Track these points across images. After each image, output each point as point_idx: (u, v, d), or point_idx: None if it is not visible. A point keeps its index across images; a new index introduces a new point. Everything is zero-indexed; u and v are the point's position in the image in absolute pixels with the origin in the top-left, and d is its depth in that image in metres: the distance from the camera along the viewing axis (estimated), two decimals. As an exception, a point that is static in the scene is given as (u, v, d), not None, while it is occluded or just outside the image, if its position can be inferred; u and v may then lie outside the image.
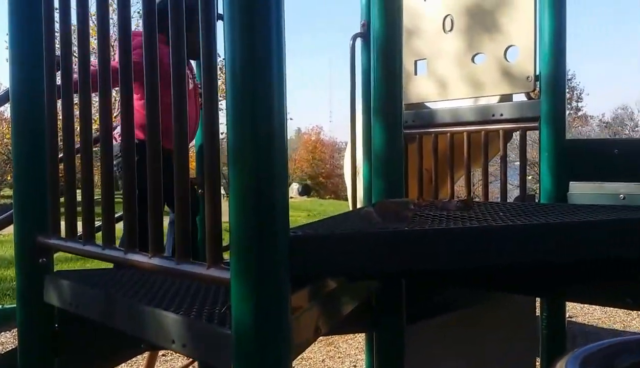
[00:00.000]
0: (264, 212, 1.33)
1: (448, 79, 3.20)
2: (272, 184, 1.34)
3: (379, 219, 1.67)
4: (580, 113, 22.10)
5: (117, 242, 1.95)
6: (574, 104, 21.37)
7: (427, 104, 3.56)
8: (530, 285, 2.00)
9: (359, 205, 3.82)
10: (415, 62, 3.39)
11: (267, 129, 1.33)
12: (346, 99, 3.50)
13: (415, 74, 3.40)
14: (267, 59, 1.32)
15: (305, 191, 24.26)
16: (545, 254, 1.45)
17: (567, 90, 3.30)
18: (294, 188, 24.78)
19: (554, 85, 2.69)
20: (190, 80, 2.70)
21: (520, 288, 2.08)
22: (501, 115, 2.99)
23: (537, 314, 3.37)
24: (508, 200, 3.38)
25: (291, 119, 22.89)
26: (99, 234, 1.96)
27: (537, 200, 3.22)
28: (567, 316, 3.23)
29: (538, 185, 3.20)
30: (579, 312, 5.17)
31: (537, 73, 2.83)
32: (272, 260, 1.34)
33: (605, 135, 21.72)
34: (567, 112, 2.78)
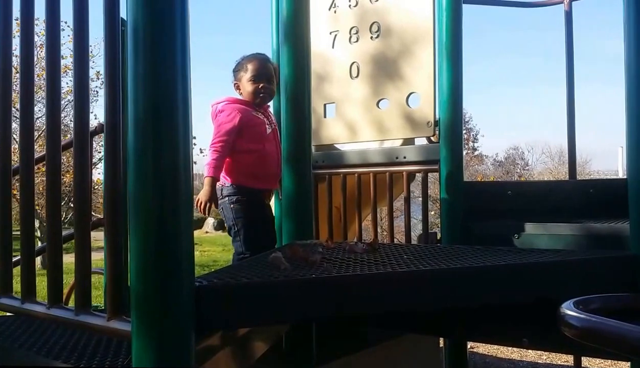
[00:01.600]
0: (167, 260, 1.30)
1: (355, 122, 3.30)
2: (178, 234, 1.32)
3: (287, 265, 1.69)
4: (476, 153, 23.41)
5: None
6: (470, 144, 22.63)
7: (337, 146, 3.65)
8: (432, 326, 2.06)
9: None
10: (325, 105, 3.48)
11: (172, 174, 1.31)
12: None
13: (325, 116, 3.48)
14: (171, 101, 1.32)
15: (220, 226, 24.00)
16: (446, 299, 1.51)
17: (464, 132, 3.47)
18: (209, 223, 24.45)
19: (452, 130, 2.83)
20: (267, 126, 3.05)
21: (423, 329, 2.15)
22: (404, 157, 3.11)
23: (441, 346, 3.48)
24: (412, 236, 3.49)
25: (205, 155, 22.63)
26: None
27: (439, 237, 3.34)
28: (468, 347, 3.35)
29: (440, 219, 3.33)
30: (480, 343, 5.36)
31: (437, 118, 2.97)
32: (176, 311, 1.31)
33: (500, 173, 23.06)
34: (465, 152, 2.93)
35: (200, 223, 24.32)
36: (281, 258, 1.73)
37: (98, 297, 5.63)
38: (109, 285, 1.51)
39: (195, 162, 20.83)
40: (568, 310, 1.09)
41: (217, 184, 2.89)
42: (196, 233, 22.33)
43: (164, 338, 1.30)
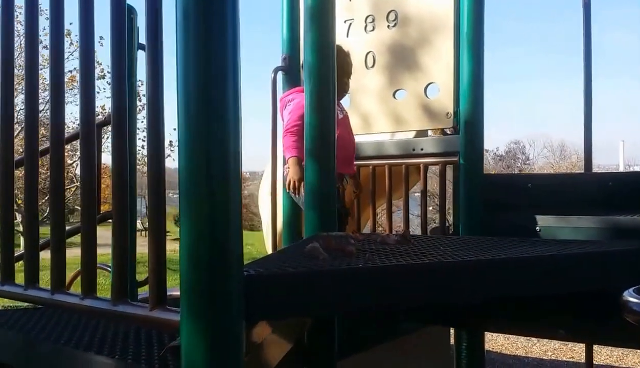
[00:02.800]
0: (218, 248, 1.28)
1: (371, 114, 3.27)
2: (227, 224, 1.29)
3: (325, 255, 1.65)
4: (477, 147, 23.38)
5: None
6: (471, 137, 22.61)
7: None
8: (462, 318, 2.04)
9: (278, 236, 3.78)
10: (337, 96, 3.44)
11: (221, 168, 1.28)
12: (250, 128, 3.51)
13: (337, 107, 3.45)
14: (222, 99, 1.29)
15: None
16: (495, 289, 1.49)
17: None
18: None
19: (472, 122, 2.81)
20: (339, 112, 3.06)
21: (453, 321, 2.12)
22: (422, 149, 3.09)
23: (451, 344, 3.46)
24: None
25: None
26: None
27: (451, 231, 3.32)
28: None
29: (438, 215, 3.31)
30: (485, 339, 5.34)
31: (456, 109, 2.95)
32: (227, 300, 1.29)
33: (500, 168, 23.02)
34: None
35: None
36: (319, 248, 1.70)
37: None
38: (151, 276, 1.47)
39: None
40: (631, 297, 1.09)
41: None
42: None
43: (214, 327, 1.27)
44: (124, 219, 1.57)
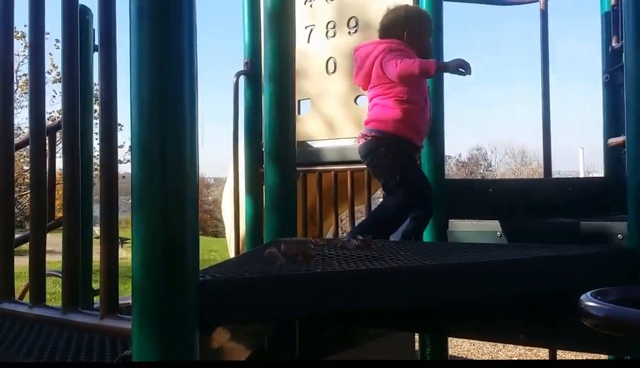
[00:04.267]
0: (172, 252, 1.24)
1: (333, 119, 3.27)
2: (183, 228, 1.25)
3: (283, 260, 1.63)
4: (440, 153, 23.59)
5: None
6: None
7: (310, 143, 3.60)
8: (423, 323, 2.04)
9: (241, 242, 3.75)
10: (299, 101, 3.42)
11: (178, 167, 1.25)
12: (214, 132, 3.47)
13: (299, 113, 3.43)
14: (179, 98, 1.25)
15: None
16: (453, 293, 1.49)
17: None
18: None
19: (432, 127, 2.82)
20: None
21: (413, 326, 2.12)
22: (384, 155, 3.08)
23: (416, 350, 3.46)
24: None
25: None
26: None
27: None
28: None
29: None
30: (450, 345, 5.36)
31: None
32: (181, 306, 1.25)
33: (463, 174, 23.24)
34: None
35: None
36: (277, 253, 1.68)
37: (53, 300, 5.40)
38: (102, 283, 1.43)
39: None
40: (589, 301, 1.09)
41: (370, 135, 2.66)
42: None
43: (167, 335, 1.24)
44: (74, 224, 1.53)
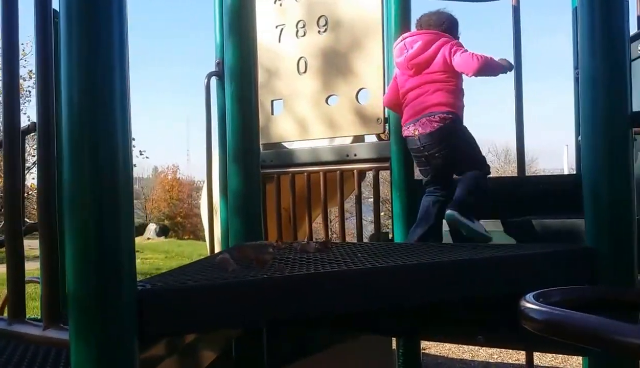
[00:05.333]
0: (107, 262, 1.19)
1: (305, 119, 3.23)
2: (118, 233, 1.21)
3: (235, 266, 1.59)
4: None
5: None
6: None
7: (284, 144, 3.57)
8: (385, 326, 2.01)
9: (217, 245, 3.70)
10: (272, 101, 3.39)
11: (111, 169, 1.21)
12: (201, 135, 3.41)
13: (273, 113, 3.39)
14: (109, 93, 1.21)
15: (162, 232, 23.22)
16: (403, 296, 1.45)
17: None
18: (151, 229, 23.60)
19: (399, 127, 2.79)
20: None
21: (376, 329, 2.09)
22: (355, 155, 3.06)
23: (393, 348, 3.44)
24: (364, 237, 3.44)
25: (147, 157, 21.96)
26: None
27: (390, 237, 3.31)
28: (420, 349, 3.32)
29: (391, 220, 3.29)
30: (431, 344, 5.37)
31: (387, 115, 2.93)
32: (117, 317, 1.21)
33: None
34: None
35: (141, 229, 23.40)
36: (229, 259, 1.63)
37: (35, 309, 5.36)
38: (44, 292, 1.38)
39: (135, 165, 20.09)
40: (529, 303, 1.05)
41: (449, 117, 2.65)
42: (138, 239, 21.26)
43: (104, 347, 1.19)
44: (17, 235, 1.48)
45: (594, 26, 1.67)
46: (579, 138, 3.03)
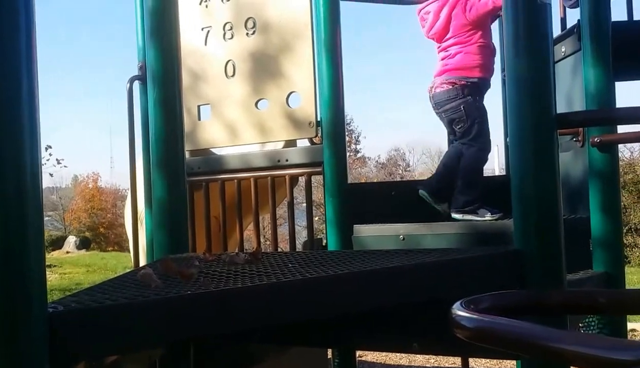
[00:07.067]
0: (12, 284, 1.09)
1: (234, 124, 3.13)
2: (23, 247, 1.11)
3: (158, 282, 1.49)
4: (359, 155, 23.72)
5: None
6: (353, 146, 22.89)
7: (213, 150, 3.46)
8: (318, 337, 1.95)
9: (142, 257, 3.55)
10: (199, 106, 3.28)
11: (17, 181, 1.10)
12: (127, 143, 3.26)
13: (200, 119, 3.28)
14: (15, 98, 1.11)
15: (83, 244, 22.20)
16: (334, 307, 1.41)
17: (346, 134, 3.41)
18: (70, 241, 22.37)
19: (334, 130, 2.76)
20: None
21: (309, 341, 2.03)
22: (287, 160, 2.99)
23: (329, 357, 3.39)
24: (297, 244, 3.38)
25: (65, 166, 21.00)
26: None
27: (324, 243, 3.26)
28: (357, 356, 3.29)
29: (324, 225, 3.24)
30: (368, 351, 5.33)
31: (319, 119, 2.88)
32: (25, 344, 1.10)
33: (383, 175, 23.49)
34: (348, 155, 2.86)
35: (60, 242, 22.27)
36: (152, 274, 1.53)
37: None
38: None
39: (51, 174, 19.14)
40: (458, 310, 1.02)
41: (460, 82, 2.85)
42: (56, 254, 20.31)
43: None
44: None
45: (518, 28, 1.67)
46: (507, 139, 3.10)
